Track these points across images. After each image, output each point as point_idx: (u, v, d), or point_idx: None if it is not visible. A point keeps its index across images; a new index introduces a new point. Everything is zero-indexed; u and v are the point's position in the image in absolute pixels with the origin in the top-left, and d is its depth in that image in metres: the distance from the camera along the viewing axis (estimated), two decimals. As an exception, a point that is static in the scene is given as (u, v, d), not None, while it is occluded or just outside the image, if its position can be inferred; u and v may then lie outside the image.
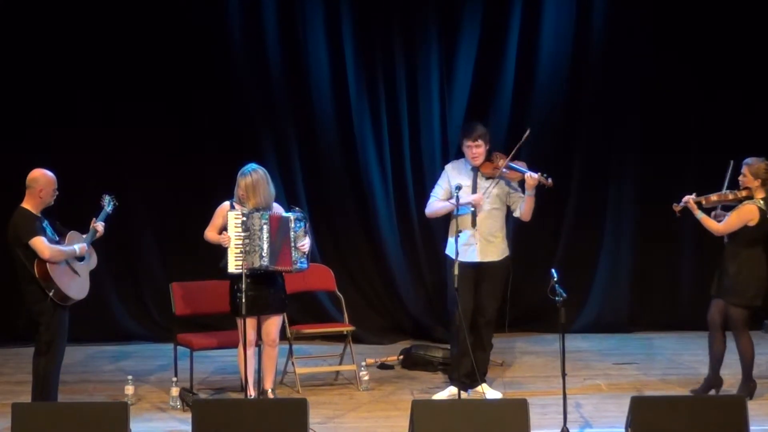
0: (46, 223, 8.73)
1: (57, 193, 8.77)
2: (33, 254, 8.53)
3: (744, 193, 9.12)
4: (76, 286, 8.76)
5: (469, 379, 9.29)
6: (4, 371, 10.69)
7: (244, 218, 8.87)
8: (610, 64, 11.90)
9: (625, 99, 11.96)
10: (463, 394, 9.19)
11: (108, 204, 9.07)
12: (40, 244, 8.54)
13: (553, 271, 8.43)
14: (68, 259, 8.71)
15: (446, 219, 9.48)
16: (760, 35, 11.76)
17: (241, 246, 8.85)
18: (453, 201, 9.15)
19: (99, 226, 8.92)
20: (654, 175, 11.89)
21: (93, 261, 8.99)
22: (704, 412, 7.92)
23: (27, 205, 8.69)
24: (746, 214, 9.08)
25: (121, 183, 11.50)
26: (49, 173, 8.75)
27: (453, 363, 9.56)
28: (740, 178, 9.15)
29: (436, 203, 9.46)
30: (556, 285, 8.32)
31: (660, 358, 10.92)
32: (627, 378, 10.23)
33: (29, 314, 8.69)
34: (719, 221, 9.17)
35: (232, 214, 8.96)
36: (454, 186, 9.18)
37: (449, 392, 9.45)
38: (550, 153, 11.92)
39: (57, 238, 8.75)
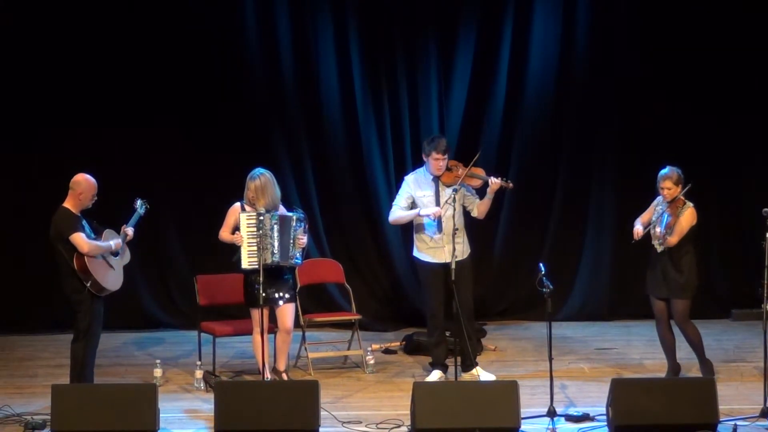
0: (84, 222, 8.74)
1: (96, 198, 8.75)
2: (73, 249, 8.54)
3: (679, 203, 9.05)
4: (111, 279, 8.76)
5: (456, 363, 9.31)
6: (44, 356, 10.67)
7: (257, 219, 8.88)
8: (592, 76, 11.89)
9: (606, 109, 11.94)
10: (450, 377, 9.26)
11: (140, 207, 9.04)
12: (80, 239, 8.54)
13: (540, 265, 8.44)
14: (104, 254, 8.72)
15: (412, 224, 9.52)
16: (735, 49, 11.76)
17: (254, 244, 8.87)
18: (414, 213, 9.26)
19: (129, 231, 8.90)
20: (631, 178, 11.88)
21: (126, 257, 8.99)
22: (678, 393, 7.96)
23: (68, 204, 8.69)
24: (690, 218, 9.02)
25: (147, 183, 11.51)
26: (92, 179, 8.74)
27: (431, 350, 9.57)
28: (666, 192, 9.00)
29: (399, 212, 9.42)
30: (544, 278, 8.34)
31: (637, 344, 10.89)
32: (608, 362, 10.23)
33: (68, 303, 8.70)
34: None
35: (244, 216, 8.98)
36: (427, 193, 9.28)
37: (437, 376, 9.47)
38: (537, 158, 11.95)
39: (94, 236, 8.75)
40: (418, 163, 11.70)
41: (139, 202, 9.06)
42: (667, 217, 8.98)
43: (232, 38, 11.72)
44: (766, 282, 8.40)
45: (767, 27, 11.74)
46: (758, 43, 11.74)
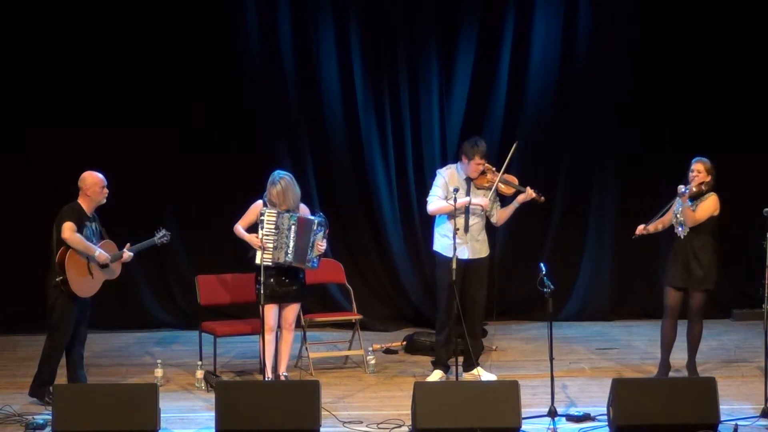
0: (91, 225, 8.72)
1: (106, 191, 8.74)
2: (62, 241, 8.52)
3: (704, 187, 9.06)
4: (84, 285, 8.70)
5: (457, 363, 9.29)
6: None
7: (277, 217, 8.87)
8: (592, 80, 11.89)
9: (607, 109, 11.95)
10: (451, 377, 9.25)
11: (159, 237, 9.03)
12: (68, 225, 8.53)
13: (541, 265, 8.42)
14: (90, 260, 8.67)
15: (434, 219, 9.49)
16: (735, 49, 11.79)
17: (270, 242, 8.85)
18: (451, 202, 9.08)
19: (126, 254, 8.86)
20: (632, 178, 11.89)
21: (115, 273, 8.93)
22: (679, 393, 7.95)
23: (81, 201, 8.70)
24: (713, 204, 9.05)
25: (147, 183, 11.55)
26: (96, 173, 8.74)
27: (437, 349, 9.57)
28: (694, 174, 9.04)
29: (439, 202, 9.33)
30: (545, 278, 8.32)
31: (638, 343, 10.88)
32: (608, 362, 10.21)
33: (45, 295, 8.69)
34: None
35: (265, 212, 8.95)
36: (452, 189, 9.16)
37: (438, 376, 9.47)
38: (538, 158, 11.93)
39: (94, 239, 8.72)
40: (417, 164, 11.78)
41: (162, 233, 9.05)
42: (690, 186, 8.98)
43: (233, 38, 11.70)
44: (766, 282, 8.39)
45: (767, 27, 11.74)
46: (758, 42, 11.75)
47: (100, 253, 8.72)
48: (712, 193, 9.08)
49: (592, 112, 11.97)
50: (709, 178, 9.06)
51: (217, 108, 11.72)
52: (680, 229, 9.11)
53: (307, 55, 11.77)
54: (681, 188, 8.94)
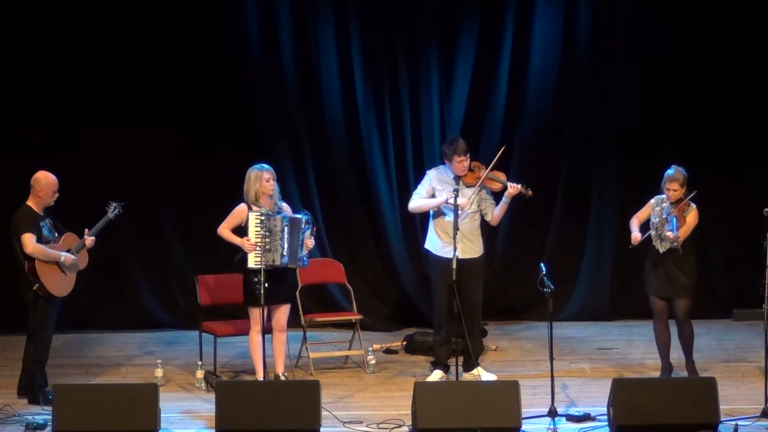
0: (45, 222, 8.71)
1: (57, 195, 8.72)
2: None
3: (685, 204, 9.01)
4: (60, 285, 8.73)
5: (458, 363, 9.29)
6: (45, 356, 10.67)
7: (267, 219, 8.85)
8: (593, 76, 11.89)
9: (607, 108, 11.95)
10: (451, 377, 9.27)
11: (111, 211, 8.95)
12: (27, 239, 8.54)
13: (541, 265, 8.43)
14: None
15: (428, 217, 9.51)
16: (736, 50, 11.79)
17: (261, 244, 8.83)
18: (441, 201, 9.19)
19: (88, 240, 8.85)
20: (632, 178, 11.88)
21: (82, 263, 8.92)
22: (679, 393, 7.96)
23: (30, 202, 8.72)
24: (695, 218, 9.04)
25: (147, 183, 11.54)
26: (51, 176, 8.72)
27: (435, 349, 9.58)
28: (672, 193, 8.98)
29: (420, 200, 9.41)
30: (545, 278, 8.33)
31: (638, 344, 10.86)
32: (609, 362, 10.21)
33: (23, 301, 8.73)
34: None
35: (253, 215, 8.93)
36: (452, 189, 9.16)
37: (438, 376, 9.47)
38: (538, 158, 11.93)
39: (52, 236, 8.71)
40: (417, 164, 11.79)
41: (113, 206, 8.96)
42: (675, 220, 8.95)
43: (234, 37, 11.70)
44: (766, 282, 8.39)
45: (767, 26, 11.75)
46: (760, 41, 11.75)
47: (65, 257, 8.71)
48: (691, 208, 9.04)
49: (592, 112, 11.97)
50: (684, 189, 9.02)
51: (217, 108, 11.72)
52: (659, 242, 9.09)
53: (307, 55, 11.77)
54: (670, 236, 8.92)
